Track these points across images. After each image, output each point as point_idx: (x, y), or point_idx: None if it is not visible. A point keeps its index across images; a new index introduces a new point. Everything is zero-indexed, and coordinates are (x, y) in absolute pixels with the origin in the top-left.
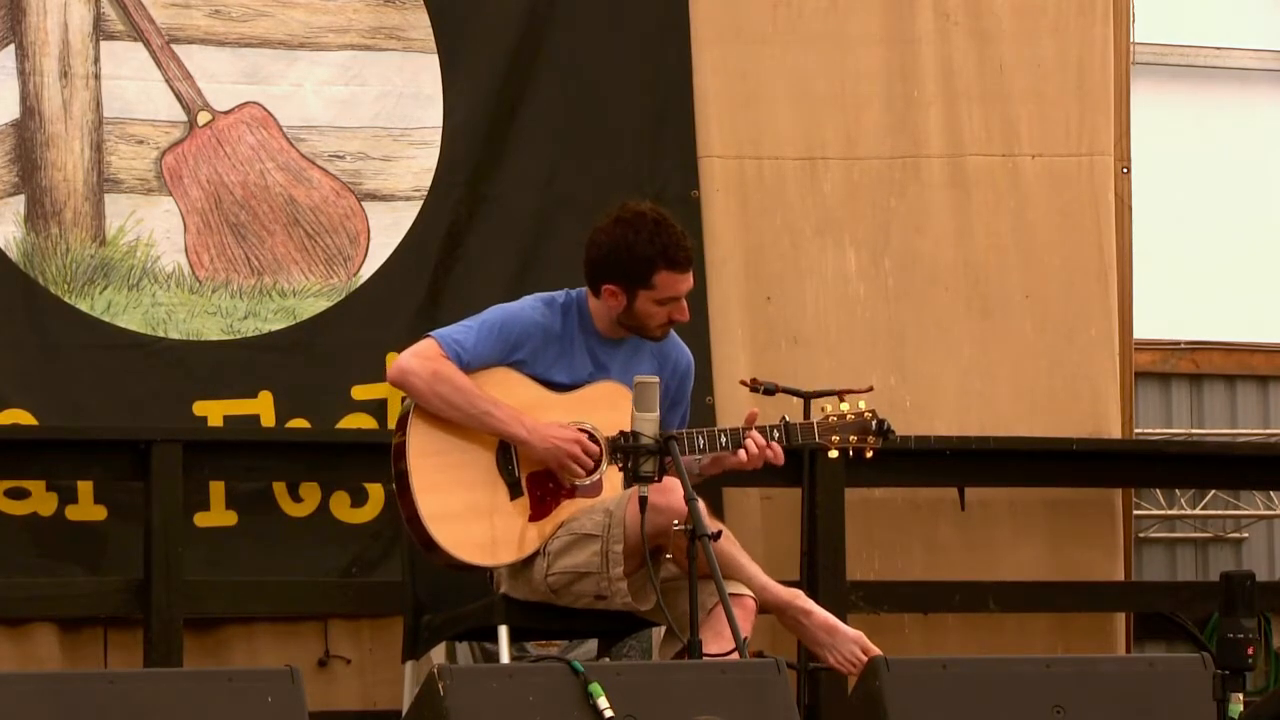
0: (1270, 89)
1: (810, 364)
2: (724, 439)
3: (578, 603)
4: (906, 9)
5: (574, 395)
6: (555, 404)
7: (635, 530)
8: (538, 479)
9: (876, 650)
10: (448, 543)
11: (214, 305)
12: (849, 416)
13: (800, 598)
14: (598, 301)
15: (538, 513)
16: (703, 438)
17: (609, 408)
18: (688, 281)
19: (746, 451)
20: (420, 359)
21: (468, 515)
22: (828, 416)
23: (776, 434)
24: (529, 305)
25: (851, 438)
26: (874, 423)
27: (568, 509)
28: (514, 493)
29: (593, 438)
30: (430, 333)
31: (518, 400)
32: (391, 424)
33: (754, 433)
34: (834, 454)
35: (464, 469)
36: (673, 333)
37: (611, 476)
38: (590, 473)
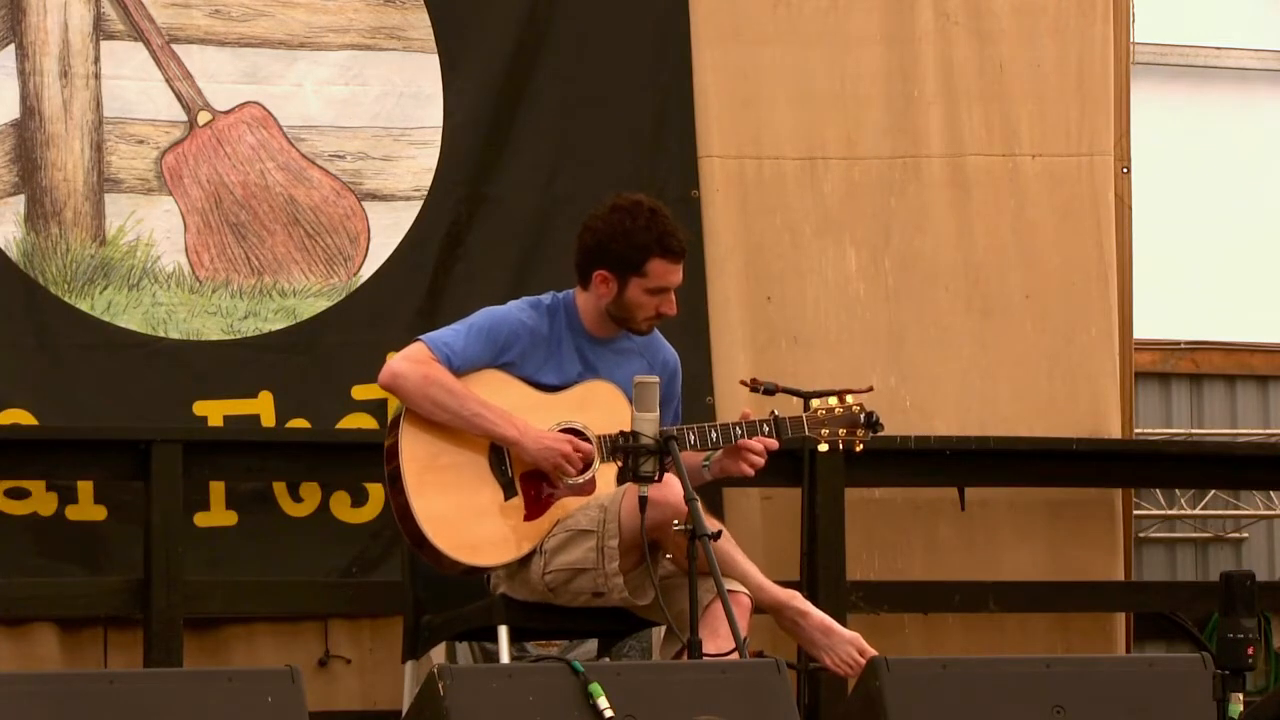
0: (1270, 88)
1: (810, 364)
2: (715, 434)
3: (576, 600)
4: (906, 9)
5: (563, 395)
6: (545, 404)
7: (631, 525)
8: (531, 479)
9: (873, 651)
10: (443, 544)
11: (214, 305)
12: (837, 410)
13: (797, 598)
14: (586, 294)
15: (532, 512)
16: (694, 434)
17: (599, 406)
18: (678, 274)
19: (750, 465)
20: (411, 362)
21: (463, 516)
22: (816, 410)
23: (766, 428)
24: (516, 308)
25: (841, 431)
26: (862, 415)
27: (562, 507)
28: (508, 493)
29: (584, 437)
30: (419, 336)
31: (508, 402)
32: None
33: (754, 443)
34: (824, 448)
35: (457, 470)
36: (657, 332)
37: (604, 474)
38: (582, 471)
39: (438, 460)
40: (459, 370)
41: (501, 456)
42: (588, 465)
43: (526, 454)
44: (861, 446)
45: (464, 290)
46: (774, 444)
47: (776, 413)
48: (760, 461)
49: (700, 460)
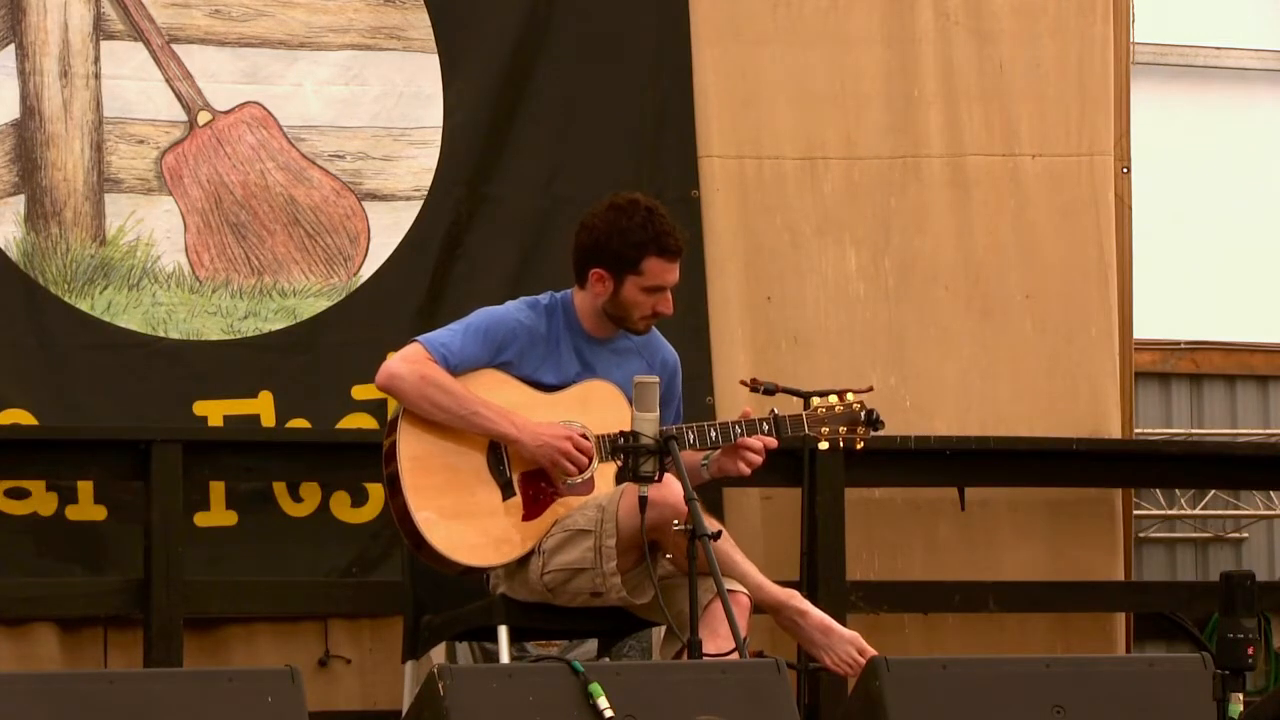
0: (1270, 89)
1: (810, 364)
2: (714, 433)
3: (575, 601)
4: (906, 9)
5: (562, 394)
6: (544, 404)
7: (629, 524)
8: (529, 479)
9: (873, 651)
10: (442, 544)
11: (214, 305)
12: (838, 408)
13: (796, 598)
14: (583, 293)
15: (530, 512)
16: (693, 433)
17: (598, 406)
18: (675, 272)
19: (749, 464)
20: (407, 363)
21: (461, 516)
22: (816, 409)
23: (765, 427)
24: (513, 308)
25: (841, 429)
26: (863, 413)
27: (561, 507)
28: (506, 493)
29: (584, 436)
30: (416, 337)
31: (506, 401)
32: None
33: (752, 441)
34: (824, 445)
35: (455, 470)
36: (656, 331)
37: (603, 473)
38: (582, 470)
39: (436, 461)
40: (456, 370)
41: (499, 456)
42: (588, 464)
43: (525, 450)
44: (862, 445)
45: (464, 290)
46: (773, 443)
47: (776, 411)
48: (758, 460)
49: (699, 459)
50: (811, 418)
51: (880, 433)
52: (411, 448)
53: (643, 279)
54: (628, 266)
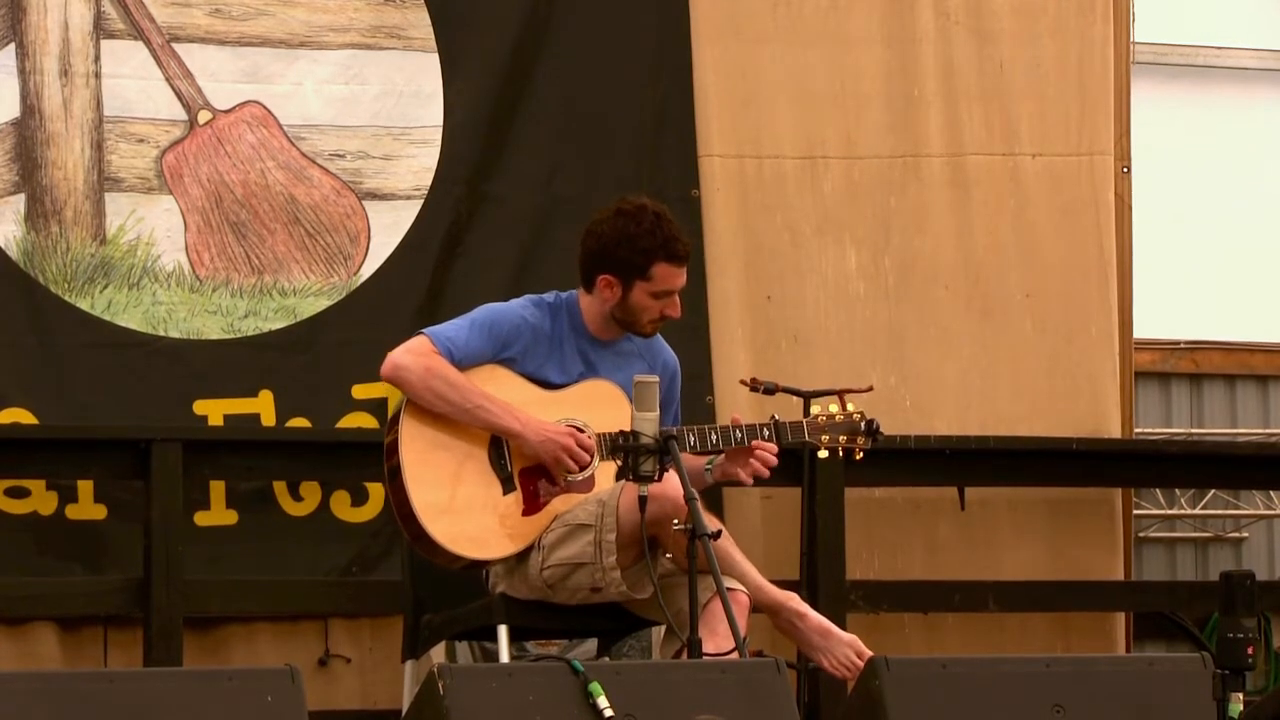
0: (1270, 88)
1: (810, 363)
2: (714, 436)
3: (574, 597)
4: (906, 9)
5: (565, 392)
6: (547, 401)
7: (629, 520)
8: (530, 474)
9: (870, 653)
10: (442, 537)
11: (214, 304)
12: (838, 417)
13: (795, 600)
14: (590, 298)
15: (531, 507)
16: (693, 435)
17: (600, 405)
18: (683, 277)
19: (754, 473)
20: (413, 355)
21: (462, 509)
22: (817, 416)
23: (766, 433)
24: (518, 305)
25: (841, 438)
26: (863, 424)
27: (560, 504)
28: (507, 488)
29: (585, 434)
30: (422, 330)
31: (509, 397)
32: None
33: (767, 445)
34: (824, 454)
35: (457, 464)
36: (658, 335)
37: (604, 471)
38: (583, 468)
39: (437, 455)
40: (460, 364)
41: (501, 451)
42: (589, 462)
43: (528, 446)
44: (861, 455)
45: (464, 289)
46: (773, 448)
47: (777, 416)
48: (766, 473)
49: (703, 463)
50: (812, 426)
51: (880, 441)
52: (414, 441)
53: (651, 284)
54: (637, 272)
